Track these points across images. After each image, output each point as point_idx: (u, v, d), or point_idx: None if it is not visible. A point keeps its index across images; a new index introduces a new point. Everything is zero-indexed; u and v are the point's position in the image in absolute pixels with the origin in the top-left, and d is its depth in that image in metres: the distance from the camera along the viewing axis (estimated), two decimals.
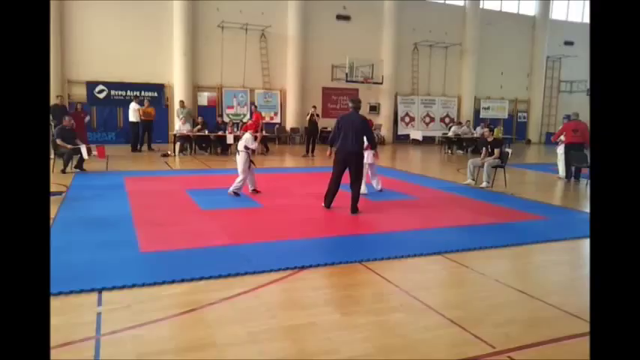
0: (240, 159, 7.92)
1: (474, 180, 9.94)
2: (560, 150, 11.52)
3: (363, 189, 8.19)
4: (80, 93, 16.79)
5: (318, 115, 15.53)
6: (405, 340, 3.22)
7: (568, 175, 11.05)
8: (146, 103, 15.32)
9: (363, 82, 19.92)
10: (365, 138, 6.97)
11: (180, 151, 14.53)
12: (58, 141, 10.30)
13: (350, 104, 7.04)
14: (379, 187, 8.68)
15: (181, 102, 16.02)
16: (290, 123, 19.66)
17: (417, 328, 3.41)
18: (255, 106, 17.11)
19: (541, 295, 4.05)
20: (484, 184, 9.63)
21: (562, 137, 11.34)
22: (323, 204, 6.99)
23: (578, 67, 24.26)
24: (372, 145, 7.28)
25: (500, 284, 4.36)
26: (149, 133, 15.31)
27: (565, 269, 5.03)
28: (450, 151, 18.02)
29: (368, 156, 8.13)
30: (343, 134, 6.69)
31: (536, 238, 5.84)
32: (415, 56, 22.03)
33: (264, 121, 15.95)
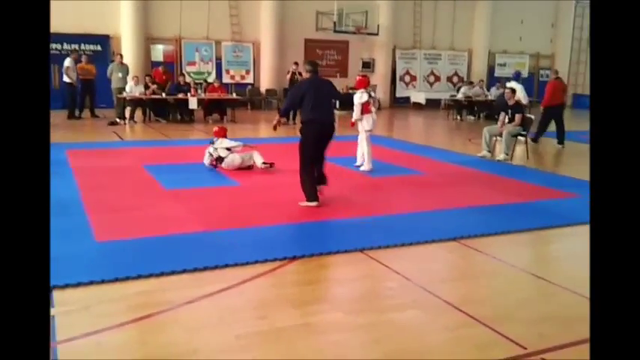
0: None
1: (489, 151, 10.05)
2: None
3: (369, 166, 8.27)
4: None
5: (300, 74, 15.37)
6: (422, 342, 3.29)
7: (537, 138, 11.80)
8: (84, 58, 14.96)
9: (354, 33, 19.74)
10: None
11: (119, 117, 14.14)
12: None
13: (307, 67, 6.51)
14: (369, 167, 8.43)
15: (119, 55, 15.32)
16: (265, 84, 19.44)
17: (435, 327, 3.48)
18: (162, 64, 16.95)
19: (575, 287, 4.13)
20: (502, 156, 9.74)
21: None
22: (306, 201, 6.17)
23: None
24: (345, 105, 6.49)
25: (528, 275, 4.46)
26: (91, 96, 14.97)
27: None
28: (459, 117, 18.12)
29: (367, 122, 8.17)
30: (314, 103, 6.12)
31: (567, 220, 5.96)
32: (418, 2, 21.88)
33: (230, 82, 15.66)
